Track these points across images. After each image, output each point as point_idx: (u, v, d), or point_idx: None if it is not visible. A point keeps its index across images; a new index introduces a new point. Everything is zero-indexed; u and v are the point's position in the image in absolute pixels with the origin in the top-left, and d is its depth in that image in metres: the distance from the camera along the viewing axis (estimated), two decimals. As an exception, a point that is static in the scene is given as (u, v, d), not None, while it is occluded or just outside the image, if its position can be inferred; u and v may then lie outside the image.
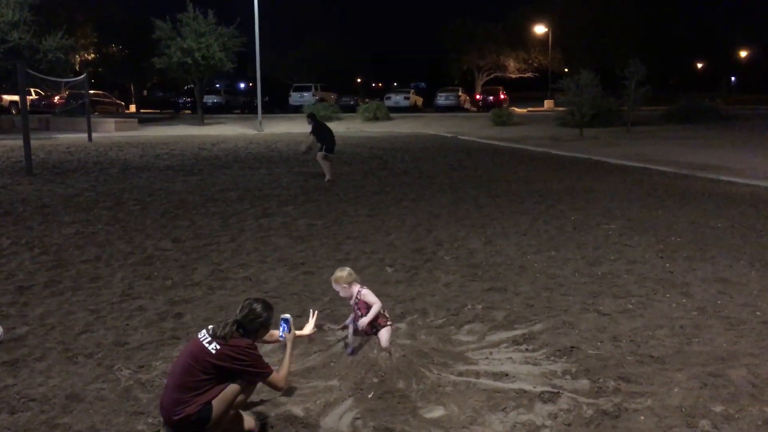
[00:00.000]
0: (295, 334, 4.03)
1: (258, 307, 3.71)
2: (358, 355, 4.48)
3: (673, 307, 5.77)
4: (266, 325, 3.75)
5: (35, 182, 13.69)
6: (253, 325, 3.68)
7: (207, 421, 3.49)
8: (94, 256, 7.68)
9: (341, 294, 4.61)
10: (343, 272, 4.55)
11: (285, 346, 3.98)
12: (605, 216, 9.76)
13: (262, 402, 4.08)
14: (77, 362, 4.71)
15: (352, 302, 4.58)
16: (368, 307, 4.51)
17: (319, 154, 13.76)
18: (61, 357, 4.80)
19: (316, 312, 4.56)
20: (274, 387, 3.72)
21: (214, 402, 3.50)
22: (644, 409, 3.93)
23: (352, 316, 4.63)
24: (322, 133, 13.74)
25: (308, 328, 4.41)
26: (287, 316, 3.98)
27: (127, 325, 5.45)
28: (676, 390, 4.17)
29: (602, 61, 48.37)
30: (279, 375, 3.71)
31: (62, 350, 4.92)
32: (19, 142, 16.81)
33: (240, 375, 3.56)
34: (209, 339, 3.56)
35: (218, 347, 3.52)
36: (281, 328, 3.95)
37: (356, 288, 4.54)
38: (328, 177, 13.57)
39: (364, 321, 4.48)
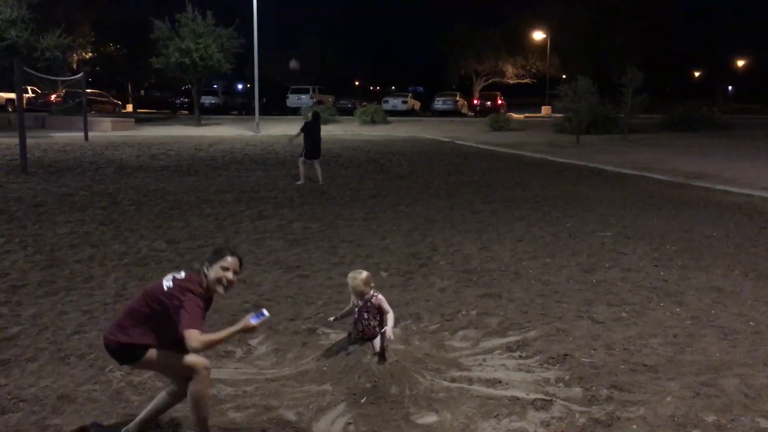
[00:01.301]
0: (253, 325, 3.52)
1: (213, 246, 3.60)
2: (351, 360, 4.46)
3: (667, 315, 5.78)
4: (212, 261, 3.61)
5: (30, 181, 13.65)
6: (202, 261, 3.64)
7: (130, 360, 3.52)
8: (88, 256, 7.66)
9: (359, 297, 4.48)
10: (365, 274, 4.51)
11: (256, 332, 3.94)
12: (601, 223, 9.77)
13: (254, 406, 4.07)
14: (69, 363, 4.69)
15: (359, 306, 4.53)
16: (379, 312, 4.49)
17: (300, 159, 13.86)
18: (53, 357, 4.78)
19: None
20: (187, 342, 3.33)
21: (151, 353, 3.48)
22: (636, 418, 3.93)
23: (354, 317, 4.57)
24: (307, 135, 13.78)
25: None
26: (267, 313, 3.66)
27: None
28: (668, 399, 4.17)
29: (600, 68, 48.48)
30: (201, 336, 3.35)
31: (54, 351, 4.90)
32: (15, 140, 16.75)
33: (173, 315, 3.42)
34: (170, 278, 3.56)
35: (170, 285, 3.50)
36: (257, 316, 3.59)
37: (371, 292, 4.52)
38: (299, 181, 13.62)
39: (389, 332, 4.40)
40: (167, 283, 3.52)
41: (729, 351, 4.97)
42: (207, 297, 3.60)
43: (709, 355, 4.91)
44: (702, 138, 27.27)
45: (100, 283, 6.60)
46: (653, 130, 30.86)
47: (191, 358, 3.50)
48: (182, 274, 3.57)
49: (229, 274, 3.60)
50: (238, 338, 5.17)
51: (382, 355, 4.41)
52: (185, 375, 3.53)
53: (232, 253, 3.68)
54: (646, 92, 27.39)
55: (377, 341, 4.50)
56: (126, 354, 3.53)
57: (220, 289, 3.59)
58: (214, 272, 3.56)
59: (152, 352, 3.51)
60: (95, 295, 6.24)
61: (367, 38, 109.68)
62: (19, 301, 6.03)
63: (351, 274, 4.55)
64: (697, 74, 73.82)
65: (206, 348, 3.40)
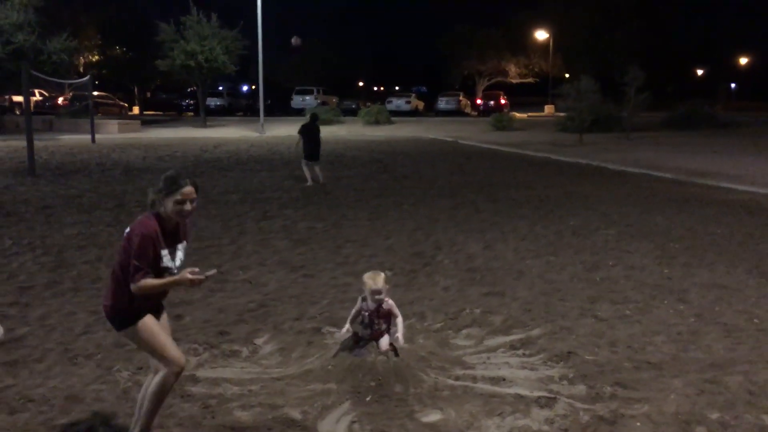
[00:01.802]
0: (189, 278, 3.29)
1: (165, 174, 3.42)
2: (356, 359, 4.49)
3: (670, 313, 5.80)
4: (165, 193, 3.33)
5: (38, 183, 13.73)
6: (156, 191, 3.39)
7: (120, 325, 3.44)
8: (96, 257, 7.71)
9: (375, 298, 4.50)
10: (383, 274, 4.57)
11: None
12: (604, 221, 9.78)
13: (259, 405, 4.10)
14: (77, 363, 4.74)
15: (369, 310, 4.56)
16: (389, 316, 4.55)
17: (303, 160, 13.84)
18: (61, 358, 4.82)
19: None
20: (131, 274, 3.29)
21: (139, 325, 3.39)
22: (640, 416, 3.95)
23: (363, 320, 4.59)
24: (306, 136, 13.73)
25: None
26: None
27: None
28: (672, 396, 4.19)
29: (602, 67, 48.41)
30: (144, 281, 3.27)
31: (62, 351, 4.94)
32: (23, 143, 16.83)
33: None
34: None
35: (126, 232, 3.40)
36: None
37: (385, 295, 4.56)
38: (307, 183, 13.55)
39: (400, 337, 4.48)
40: (126, 231, 3.42)
41: (733, 348, 4.99)
42: (169, 230, 3.41)
43: (713, 352, 4.93)
44: (704, 136, 27.23)
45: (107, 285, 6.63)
46: (656, 129, 30.83)
47: (170, 353, 3.43)
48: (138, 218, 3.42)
49: (186, 206, 3.35)
50: (244, 337, 5.22)
51: (395, 353, 4.49)
52: (157, 365, 3.47)
53: (185, 182, 3.35)
54: (648, 91, 27.34)
55: (383, 341, 4.54)
56: (116, 319, 3.45)
57: (179, 219, 3.41)
58: (169, 207, 3.35)
59: (140, 325, 3.40)
60: (101, 296, 6.27)
61: (370, 39, 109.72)
62: (27, 302, 6.08)
63: (370, 275, 4.59)
64: (699, 72, 73.63)
65: (144, 292, 3.30)
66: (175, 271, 3.41)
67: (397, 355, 4.48)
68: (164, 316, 3.67)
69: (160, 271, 3.37)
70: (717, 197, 12.17)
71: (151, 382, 3.50)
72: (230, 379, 4.47)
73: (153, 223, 3.36)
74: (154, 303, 3.56)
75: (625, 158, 18.66)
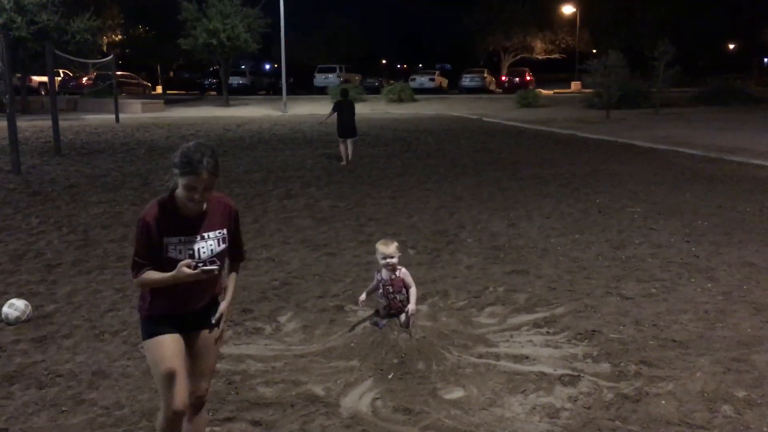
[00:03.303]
0: (184, 271, 2.79)
1: (181, 147, 2.86)
2: (378, 336, 4.49)
3: (697, 291, 5.71)
4: (179, 171, 2.80)
5: (63, 162, 13.89)
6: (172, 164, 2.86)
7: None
8: (121, 235, 7.79)
9: (389, 265, 4.49)
10: (394, 243, 4.57)
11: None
12: (631, 199, 9.65)
13: (282, 381, 4.13)
14: (103, 340, 4.81)
15: (385, 279, 4.54)
16: (404, 285, 4.53)
17: (339, 139, 13.77)
18: (87, 334, 4.90)
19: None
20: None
21: (146, 343, 2.95)
22: (665, 394, 3.91)
23: (380, 292, 4.60)
24: (338, 114, 13.64)
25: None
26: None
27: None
28: (698, 375, 4.13)
29: (631, 42, 47.54)
30: (141, 276, 2.84)
31: (89, 328, 5.02)
32: (48, 123, 17.04)
33: None
34: None
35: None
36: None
37: (397, 262, 4.56)
38: (342, 162, 13.47)
39: (412, 307, 4.50)
40: None
41: (761, 326, 4.91)
42: (186, 215, 2.88)
43: (741, 330, 4.85)
44: (736, 112, 26.67)
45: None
46: (686, 104, 30.28)
47: (166, 392, 2.87)
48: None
49: (196, 195, 2.81)
50: (268, 315, 5.25)
51: (407, 323, 4.49)
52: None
53: (201, 167, 2.77)
54: (678, 65, 26.82)
55: (404, 316, 4.53)
56: (140, 324, 3.02)
57: (191, 206, 2.87)
58: (180, 188, 2.84)
59: (151, 344, 2.92)
60: (128, 273, 6.24)
61: (393, 16, 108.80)
62: (55, 280, 6.17)
63: (382, 241, 4.60)
64: (731, 47, 71.96)
65: (140, 286, 2.92)
66: (194, 264, 2.83)
67: (407, 327, 4.47)
68: (203, 336, 3.04)
69: (166, 264, 2.84)
70: (747, 174, 11.93)
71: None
72: (254, 356, 4.50)
73: (153, 207, 2.86)
74: (184, 309, 2.97)
75: (654, 135, 18.36)
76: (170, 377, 2.86)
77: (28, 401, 3.91)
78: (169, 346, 2.90)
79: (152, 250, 2.84)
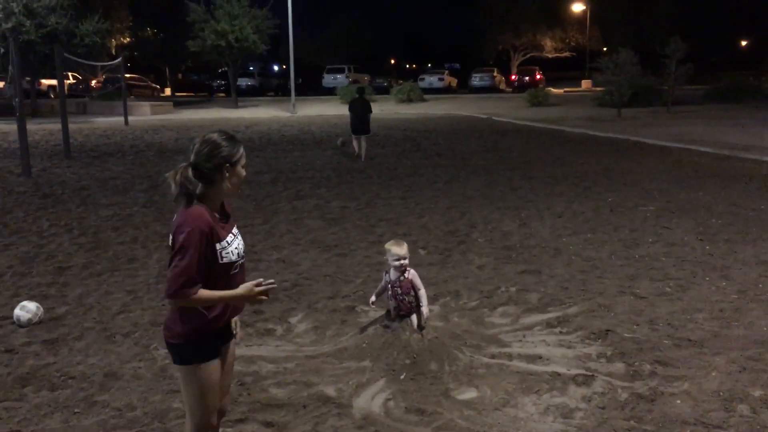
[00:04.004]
0: (254, 290, 2.71)
1: (215, 136, 2.71)
2: (390, 336, 4.46)
3: (712, 290, 5.65)
4: (230, 160, 2.68)
5: (73, 165, 13.95)
6: (212, 162, 2.65)
7: (175, 358, 2.77)
8: (131, 237, 7.81)
9: (401, 267, 4.44)
10: (405, 244, 4.53)
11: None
12: (643, 198, 9.57)
13: (294, 382, 4.11)
14: (115, 341, 4.80)
15: (393, 280, 4.50)
16: (412, 287, 4.49)
17: (352, 135, 14.54)
18: (99, 336, 4.90)
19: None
20: (167, 280, 2.59)
21: (194, 368, 2.72)
22: (681, 393, 3.86)
23: (388, 293, 4.56)
24: (351, 111, 14.45)
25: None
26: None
27: (163, 305, 5.52)
28: (713, 374, 4.09)
29: (642, 39, 47.22)
30: (197, 291, 2.58)
31: (100, 330, 5.02)
32: (58, 126, 17.11)
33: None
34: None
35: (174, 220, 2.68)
36: None
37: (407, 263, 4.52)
38: (355, 152, 14.33)
39: (425, 310, 4.46)
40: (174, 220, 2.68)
41: (778, 325, 4.85)
42: (217, 218, 2.71)
43: (757, 329, 4.79)
44: (749, 109, 26.43)
45: (143, 264, 6.72)
46: (698, 102, 30.06)
47: (207, 420, 2.80)
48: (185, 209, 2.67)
49: (245, 173, 2.77)
50: (279, 316, 5.23)
51: (420, 326, 4.46)
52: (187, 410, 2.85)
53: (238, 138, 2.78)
54: (690, 63, 26.60)
55: (415, 317, 4.50)
56: (176, 348, 2.74)
57: (236, 191, 2.77)
58: (234, 175, 2.72)
59: (202, 371, 2.73)
60: (139, 275, 6.36)
61: (401, 15, 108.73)
62: (66, 282, 6.18)
63: (392, 242, 4.54)
64: (744, 43, 71.44)
65: (197, 304, 2.63)
66: (240, 262, 2.76)
67: (422, 329, 4.43)
68: (232, 348, 2.98)
69: (219, 272, 2.68)
70: (761, 172, 11.82)
71: None
72: (265, 357, 4.49)
73: (203, 214, 2.61)
74: (225, 323, 2.81)
75: (666, 133, 18.24)
76: (216, 405, 2.83)
77: (40, 403, 3.91)
78: (219, 371, 2.80)
79: (206, 261, 2.61)
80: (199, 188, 2.62)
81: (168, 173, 2.70)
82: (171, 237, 2.64)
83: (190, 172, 2.62)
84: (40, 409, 3.85)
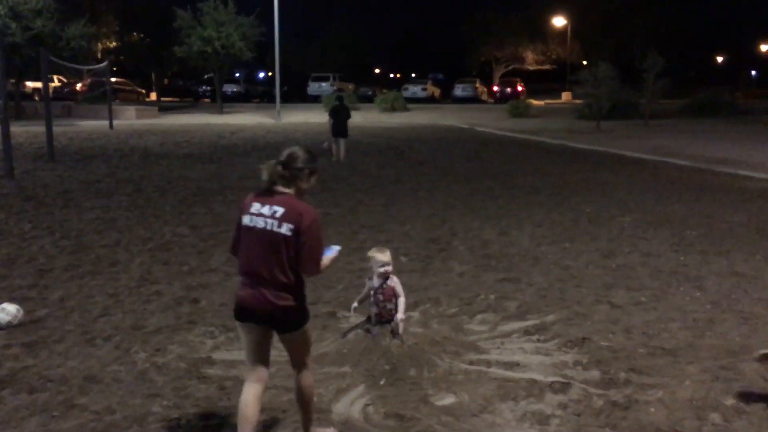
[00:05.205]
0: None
1: (297, 151, 3.29)
2: (370, 342, 4.51)
3: (686, 300, 5.77)
4: (315, 171, 3.31)
5: (57, 168, 13.86)
6: (299, 173, 3.26)
7: (296, 325, 3.47)
8: (114, 241, 7.79)
9: (380, 272, 4.51)
10: (388, 251, 4.62)
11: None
12: (620, 209, 9.72)
13: (274, 387, 4.14)
14: (95, 345, 4.80)
15: (375, 286, 4.56)
16: (394, 294, 4.55)
17: (332, 138, 15.53)
18: (79, 339, 4.89)
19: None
20: (313, 269, 3.36)
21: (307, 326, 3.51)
22: (655, 401, 3.94)
23: (370, 300, 4.61)
24: (332, 117, 15.53)
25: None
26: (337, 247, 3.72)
27: (145, 309, 5.54)
28: (687, 383, 4.17)
29: (621, 53, 47.85)
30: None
31: (81, 333, 5.01)
32: (42, 129, 16.99)
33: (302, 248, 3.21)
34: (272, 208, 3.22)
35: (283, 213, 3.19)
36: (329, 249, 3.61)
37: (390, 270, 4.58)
38: (333, 158, 15.04)
39: (400, 317, 4.52)
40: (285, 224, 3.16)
41: (749, 335, 4.96)
42: None
43: (729, 339, 4.90)
44: (725, 123, 26.90)
45: (125, 268, 6.72)
46: (675, 116, 30.51)
47: (311, 350, 3.60)
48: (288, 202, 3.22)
49: None
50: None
51: (395, 332, 4.52)
52: (302, 362, 3.51)
53: None
54: (667, 77, 27.03)
55: (394, 325, 4.55)
56: (299, 315, 3.46)
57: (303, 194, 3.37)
58: (313, 180, 3.37)
59: (309, 325, 3.51)
60: (120, 279, 6.36)
61: (386, 25, 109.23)
62: (47, 284, 6.16)
63: (376, 249, 4.64)
64: (719, 59, 72.56)
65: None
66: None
67: (396, 335, 4.49)
68: None
69: None
70: (735, 185, 12.04)
71: (302, 384, 3.49)
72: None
73: (313, 207, 3.30)
74: None
75: (643, 145, 18.49)
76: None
77: (18, 406, 3.90)
78: None
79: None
80: (300, 184, 3.27)
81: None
82: (287, 218, 3.16)
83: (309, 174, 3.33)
84: (18, 411, 3.84)
